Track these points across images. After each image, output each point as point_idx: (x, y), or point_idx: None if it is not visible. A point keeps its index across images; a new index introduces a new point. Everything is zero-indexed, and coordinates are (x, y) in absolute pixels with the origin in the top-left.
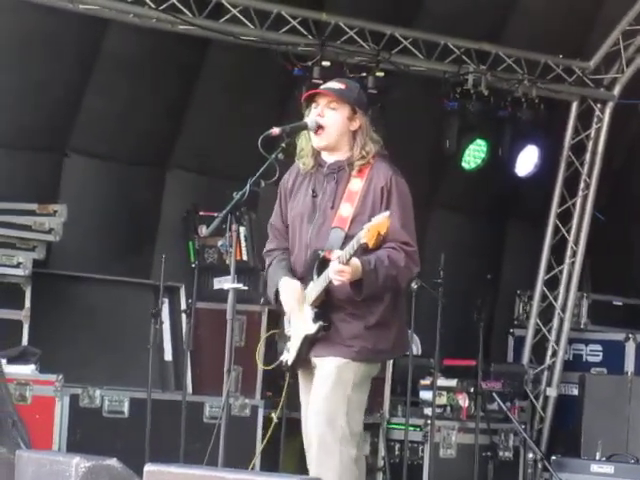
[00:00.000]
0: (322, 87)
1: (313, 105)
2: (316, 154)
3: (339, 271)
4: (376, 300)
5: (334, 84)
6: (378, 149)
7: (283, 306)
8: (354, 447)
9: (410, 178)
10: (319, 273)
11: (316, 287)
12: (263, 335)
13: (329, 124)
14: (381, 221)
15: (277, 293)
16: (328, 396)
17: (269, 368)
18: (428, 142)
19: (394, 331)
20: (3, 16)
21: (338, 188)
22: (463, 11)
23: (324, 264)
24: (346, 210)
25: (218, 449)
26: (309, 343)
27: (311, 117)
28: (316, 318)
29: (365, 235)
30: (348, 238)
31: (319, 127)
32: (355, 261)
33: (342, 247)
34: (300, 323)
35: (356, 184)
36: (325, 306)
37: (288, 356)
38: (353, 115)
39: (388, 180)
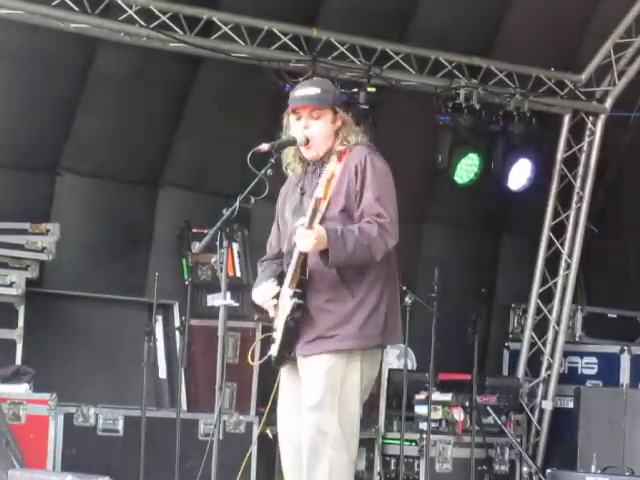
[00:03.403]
0: (298, 95)
1: (294, 117)
2: (301, 156)
3: (303, 235)
4: (355, 281)
5: (309, 90)
6: (362, 140)
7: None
8: (346, 451)
9: (403, 193)
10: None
11: (291, 266)
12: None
13: (315, 134)
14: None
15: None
16: (316, 404)
17: (256, 364)
18: (420, 157)
19: (382, 316)
20: None
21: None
22: (454, 26)
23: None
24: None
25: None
26: (291, 331)
27: (297, 131)
28: (292, 296)
29: (321, 190)
30: (324, 220)
31: (308, 140)
32: (320, 228)
33: None
34: (282, 311)
35: (335, 169)
36: (303, 290)
37: (273, 348)
38: (335, 116)
39: (362, 158)
